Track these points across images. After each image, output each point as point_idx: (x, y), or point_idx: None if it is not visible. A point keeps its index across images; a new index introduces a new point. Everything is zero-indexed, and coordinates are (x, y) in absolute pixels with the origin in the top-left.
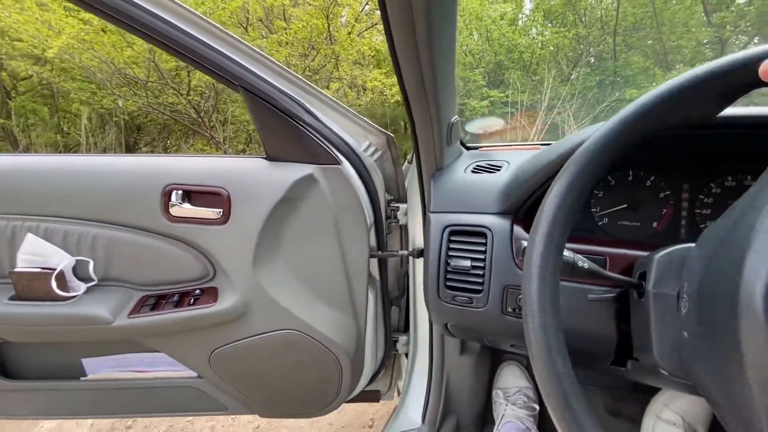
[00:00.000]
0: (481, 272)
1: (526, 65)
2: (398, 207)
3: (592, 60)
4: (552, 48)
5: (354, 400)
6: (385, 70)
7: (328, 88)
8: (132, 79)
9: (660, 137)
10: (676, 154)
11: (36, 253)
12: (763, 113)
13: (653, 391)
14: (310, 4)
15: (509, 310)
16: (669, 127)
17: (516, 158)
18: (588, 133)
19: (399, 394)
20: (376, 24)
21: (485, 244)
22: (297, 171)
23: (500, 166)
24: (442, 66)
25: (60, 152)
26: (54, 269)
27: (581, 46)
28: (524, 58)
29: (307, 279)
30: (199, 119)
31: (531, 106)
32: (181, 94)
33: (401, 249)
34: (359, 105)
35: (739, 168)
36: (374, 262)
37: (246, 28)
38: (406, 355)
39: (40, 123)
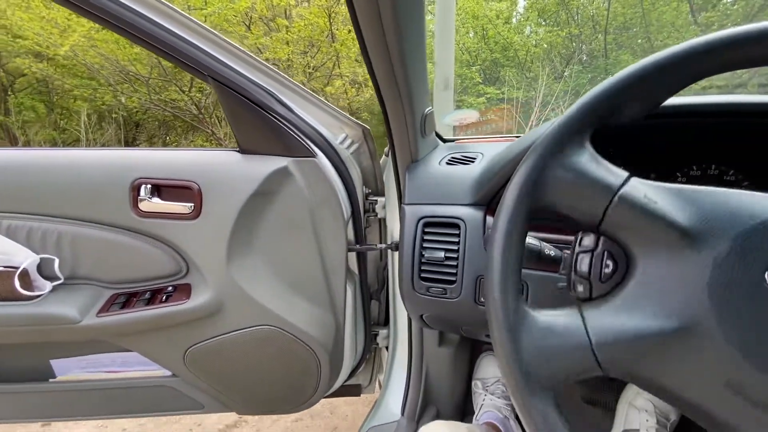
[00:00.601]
0: (454, 263)
1: (521, 63)
2: (376, 200)
3: (584, 58)
4: (546, 46)
5: (334, 395)
6: None
7: (329, 85)
8: (134, 76)
9: (625, 126)
10: (643, 144)
11: None
12: (723, 101)
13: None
14: (313, 3)
15: (482, 300)
16: (623, 117)
17: (490, 150)
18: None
19: (380, 387)
20: None
21: (459, 236)
22: (271, 164)
23: (474, 158)
24: (413, 57)
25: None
26: (17, 268)
27: (573, 45)
28: (519, 56)
29: (284, 274)
30: (200, 115)
31: (526, 103)
32: (183, 91)
33: (380, 242)
34: (359, 101)
35: (703, 157)
36: (353, 255)
37: (249, 27)
38: (387, 348)
39: (38, 120)
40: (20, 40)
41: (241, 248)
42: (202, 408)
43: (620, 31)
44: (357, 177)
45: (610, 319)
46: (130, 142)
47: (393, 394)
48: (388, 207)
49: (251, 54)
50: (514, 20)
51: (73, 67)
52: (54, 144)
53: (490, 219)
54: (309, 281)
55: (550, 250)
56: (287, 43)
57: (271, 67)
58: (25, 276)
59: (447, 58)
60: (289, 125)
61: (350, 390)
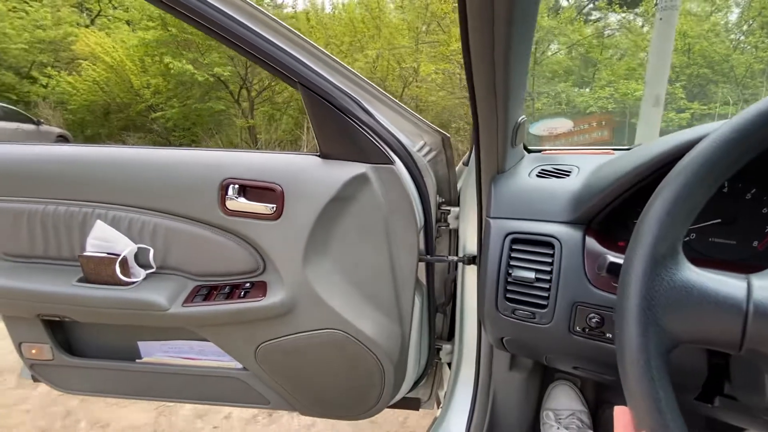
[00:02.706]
0: (546, 285)
1: (737, 79)
2: (449, 210)
3: None
4: None
5: (394, 406)
6: (570, 83)
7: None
8: None
9: None
10: None
11: (104, 238)
12: None
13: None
14: None
15: (578, 329)
16: None
17: (587, 163)
18: (683, 137)
19: (438, 404)
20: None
21: (552, 255)
22: (350, 170)
23: (570, 171)
24: (517, 62)
25: (285, 147)
26: (119, 255)
27: None
28: (736, 72)
29: (355, 279)
30: None
31: None
32: None
33: (449, 254)
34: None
35: None
36: (422, 266)
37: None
38: (449, 365)
39: (269, 123)
40: None
41: (317, 251)
42: (268, 404)
43: None
44: (432, 185)
45: None
46: None
47: (455, 414)
48: (462, 218)
49: (335, 58)
50: (722, 31)
51: None
52: (281, 143)
53: (590, 240)
54: (378, 289)
55: None
56: None
57: (355, 71)
58: (124, 263)
59: (660, 78)
60: (369, 131)
61: (410, 403)
